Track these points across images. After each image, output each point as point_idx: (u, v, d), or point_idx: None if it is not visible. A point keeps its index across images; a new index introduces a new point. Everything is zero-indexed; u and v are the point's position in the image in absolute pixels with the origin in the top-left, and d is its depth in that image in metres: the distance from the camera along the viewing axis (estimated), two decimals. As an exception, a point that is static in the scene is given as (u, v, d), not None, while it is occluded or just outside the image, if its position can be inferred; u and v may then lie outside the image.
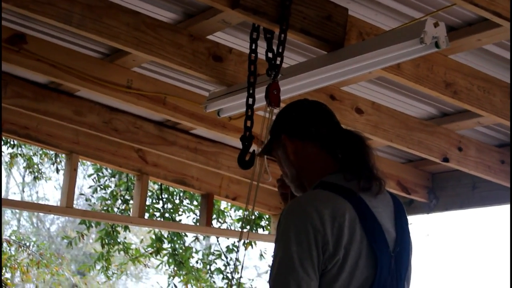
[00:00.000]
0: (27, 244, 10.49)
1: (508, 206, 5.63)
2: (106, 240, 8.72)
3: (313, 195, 2.37)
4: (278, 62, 3.61)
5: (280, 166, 2.62)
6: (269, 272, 2.32)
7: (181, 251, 8.74)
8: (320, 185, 2.40)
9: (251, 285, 9.49)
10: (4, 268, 9.64)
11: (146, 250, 9.00)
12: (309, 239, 2.21)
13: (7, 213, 25.62)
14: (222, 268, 9.04)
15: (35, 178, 10.30)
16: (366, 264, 2.25)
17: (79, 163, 5.69)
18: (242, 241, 6.68)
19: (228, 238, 9.17)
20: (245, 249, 8.91)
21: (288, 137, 2.56)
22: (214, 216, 8.57)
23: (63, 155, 8.23)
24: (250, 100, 3.70)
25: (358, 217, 2.28)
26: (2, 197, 9.97)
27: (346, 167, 2.45)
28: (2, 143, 9.30)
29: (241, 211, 8.74)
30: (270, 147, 2.67)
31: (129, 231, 9.29)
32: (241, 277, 9.13)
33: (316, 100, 2.70)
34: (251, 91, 3.72)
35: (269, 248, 9.56)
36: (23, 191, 25.28)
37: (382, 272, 2.27)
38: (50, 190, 26.99)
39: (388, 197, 2.46)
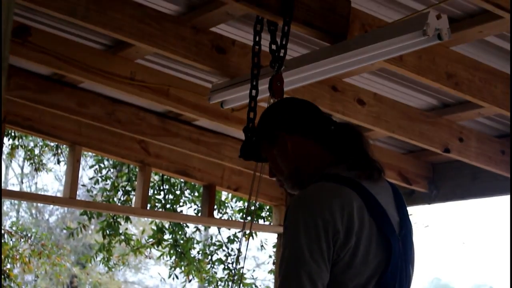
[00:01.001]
0: (28, 235, 10.51)
1: (509, 196, 5.67)
2: (107, 231, 8.75)
3: (319, 187, 2.38)
4: (281, 54, 3.63)
5: (274, 164, 2.62)
6: (279, 266, 2.34)
7: (182, 242, 8.77)
8: (322, 177, 2.42)
9: (252, 276, 9.52)
10: (5, 259, 9.67)
11: (147, 241, 9.02)
12: (319, 230, 2.23)
13: (6, 204, 25.66)
14: (223, 258, 9.08)
15: (36, 170, 10.31)
16: (378, 248, 2.29)
17: (82, 155, 5.74)
18: (243, 232, 6.71)
19: (229, 229, 9.21)
20: (246, 240, 8.95)
21: (287, 133, 2.57)
22: (215, 207, 8.61)
23: (65, 146, 8.27)
24: (254, 92, 3.72)
25: (364, 204, 2.31)
26: (3, 188, 10.00)
27: (345, 158, 2.48)
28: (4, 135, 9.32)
29: (241, 202, 8.77)
30: (258, 147, 2.69)
31: (130, 222, 9.32)
32: (242, 267, 9.22)
33: (301, 98, 2.73)
34: (254, 83, 3.74)
35: (269, 238, 9.61)
36: (22, 182, 25.32)
37: (395, 254, 2.32)
38: (49, 181, 27.00)
39: (387, 184, 2.51)
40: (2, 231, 9.91)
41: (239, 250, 8.88)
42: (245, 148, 3.54)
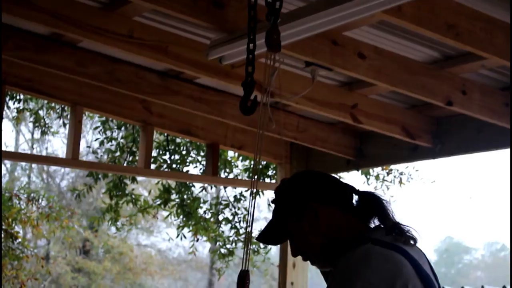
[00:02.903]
0: (36, 197, 10.53)
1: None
2: (114, 192, 8.76)
3: (370, 252, 2.32)
4: (277, 7, 3.59)
5: (302, 240, 2.55)
6: None
7: (189, 201, 8.77)
8: (364, 241, 2.38)
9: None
10: (14, 222, 9.70)
11: (155, 201, 9.03)
12: None
13: (18, 170, 25.79)
14: (230, 217, 9.08)
15: (42, 133, 10.30)
16: None
17: (87, 117, 5.72)
18: (251, 190, 6.69)
19: (235, 188, 9.21)
20: (253, 199, 8.94)
21: (321, 204, 2.51)
22: (221, 166, 8.59)
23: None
24: (251, 45, 3.68)
25: (414, 269, 2.31)
26: (4, 150, 10.00)
27: (378, 225, 2.49)
28: (8, 98, 9.31)
29: (248, 161, 8.75)
30: (286, 221, 2.58)
31: (137, 183, 9.33)
32: (249, 226, 9.19)
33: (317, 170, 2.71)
34: (251, 37, 3.70)
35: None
36: (33, 148, 25.40)
37: None
38: (59, 146, 27.05)
39: (418, 247, 2.48)
40: (10, 194, 9.94)
41: (245, 209, 8.89)
42: (244, 103, 3.51)
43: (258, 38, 3.74)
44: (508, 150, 5.57)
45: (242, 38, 4.05)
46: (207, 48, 4.47)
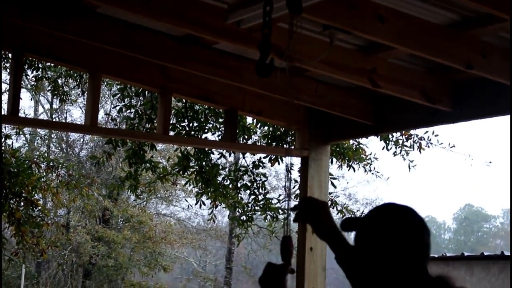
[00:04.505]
0: (56, 166, 10.58)
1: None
2: (133, 160, 8.79)
3: None
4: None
5: None
6: None
7: (207, 168, 8.79)
8: None
9: (278, 200, 9.52)
10: (33, 190, 9.76)
11: (174, 168, 9.06)
12: None
13: (37, 140, 25.90)
14: (249, 184, 9.11)
15: (61, 101, 10.34)
16: None
17: (106, 85, 5.72)
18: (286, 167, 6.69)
19: (253, 155, 9.22)
20: (272, 165, 8.95)
21: None
22: (240, 133, 8.59)
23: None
24: (268, 7, 3.66)
25: None
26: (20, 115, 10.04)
27: None
28: (26, 67, 9.34)
29: (266, 127, 8.75)
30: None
31: (156, 150, 9.36)
32: (267, 192, 9.25)
33: None
34: (268, -2, 3.68)
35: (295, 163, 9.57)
36: (52, 118, 25.49)
37: None
38: (78, 116, 27.17)
39: None
40: (29, 162, 9.99)
41: (264, 175, 8.92)
42: (261, 65, 3.50)
43: (277, 1, 3.72)
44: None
45: (260, 1, 4.02)
46: (225, 12, 4.45)
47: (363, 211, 13.98)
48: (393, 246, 2.69)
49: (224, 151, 8.94)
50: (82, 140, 25.56)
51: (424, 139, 9.20)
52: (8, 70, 7.42)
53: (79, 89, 9.85)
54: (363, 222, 2.81)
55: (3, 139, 9.71)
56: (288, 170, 3.34)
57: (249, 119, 8.74)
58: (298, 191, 7.33)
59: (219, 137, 8.81)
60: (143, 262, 24.53)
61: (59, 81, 9.91)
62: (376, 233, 2.73)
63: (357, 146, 9.41)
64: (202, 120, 8.70)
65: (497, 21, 4.80)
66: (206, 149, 8.78)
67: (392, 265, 2.68)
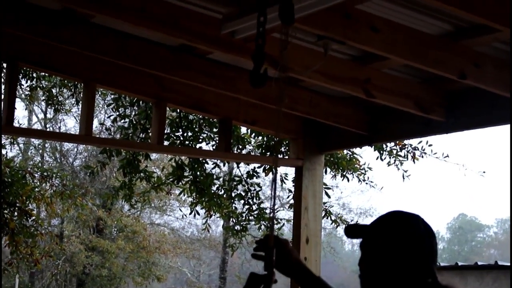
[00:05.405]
0: (50, 175, 10.58)
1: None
2: (128, 169, 8.79)
3: None
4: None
5: None
6: None
7: (202, 178, 8.79)
8: None
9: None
10: (28, 200, 9.75)
11: (168, 178, 9.06)
12: None
13: (31, 149, 25.88)
14: (243, 194, 9.11)
15: (55, 110, 10.34)
16: None
17: (100, 95, 5.73)
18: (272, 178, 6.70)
19: (248, 165, 9.23)
20: (266, 175, 8.97)
21: None
22: (234, 143, 8.60)
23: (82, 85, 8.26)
24: (261, 18, 3.68)
25: None
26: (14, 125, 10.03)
27: None
28: (21, 76, 9.33)
29: (260, 137, 8.76)
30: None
31: (150, 160, 9.36)
32: (261, 202, 9.26)
33: None
34: (262, 9, 3.69)
35: (289, 173, 9.59)
36: (46, 127, 25.47)
37: None
38: (72, 125, 27.12)
39: None
40: (23, 172, 9.99)
41: (257, 185, 8.91)
42: (254, 75, 3.51)
43: (271, 12, 3.74)
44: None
45: (255, 11, 4.04)
46: (220, 22, 4.46)
47: (357, 221, 13.98)
48: (405, 253, 2.68)
49: (219, 161, 8.94)
50: (76, 149, 25.55)
51: (418, 149, 9.21)
52: (3, 79, 7.42)
53: (74, 99, 9.85)
54: (370, 229, 2.80)
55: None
56: (274, 179, 3.31)
57: (243, 129, 8.75)
58: (292, 201, 7.34)
59: (214, 147, 8.81)
60: (137, 272, 24.48)
61: (54, 90, 9.92)
62: (387, 241, 2.72)
63: (351, 156, 9.42)
64: (196, 130, 8.70)
65: (490, 32, 4.83)
66: (201, 159, 8.78)
67: (403, 272, 2.67)
